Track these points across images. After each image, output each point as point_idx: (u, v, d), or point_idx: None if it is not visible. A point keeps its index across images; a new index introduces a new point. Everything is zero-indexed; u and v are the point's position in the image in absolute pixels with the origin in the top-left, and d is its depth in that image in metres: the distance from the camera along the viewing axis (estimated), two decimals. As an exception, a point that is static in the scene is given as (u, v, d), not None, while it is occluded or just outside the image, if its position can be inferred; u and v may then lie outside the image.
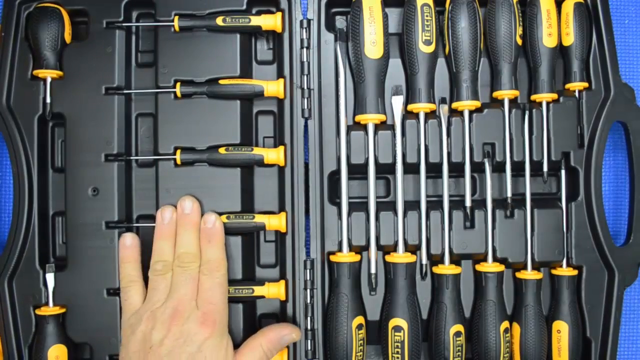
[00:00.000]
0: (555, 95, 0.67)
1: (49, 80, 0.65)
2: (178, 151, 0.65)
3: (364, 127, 0.67)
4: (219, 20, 0.65)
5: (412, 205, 0.67)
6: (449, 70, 0.69)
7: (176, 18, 0.65)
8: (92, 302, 0.64)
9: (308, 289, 0.65)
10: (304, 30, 0.66)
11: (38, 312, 0.64)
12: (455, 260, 0.68)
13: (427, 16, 0.65)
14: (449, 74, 0.69)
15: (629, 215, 0.68)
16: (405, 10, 0.67)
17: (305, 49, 0.66)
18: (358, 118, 0.67)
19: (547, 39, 0.66)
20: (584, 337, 0.67)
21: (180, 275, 0.60)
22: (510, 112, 0.67)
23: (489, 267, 0.66)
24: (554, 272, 0.67)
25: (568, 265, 0.67)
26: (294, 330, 0.63)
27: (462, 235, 0.67)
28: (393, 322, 0.65)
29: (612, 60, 0.66)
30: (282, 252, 0.67)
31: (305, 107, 0.65)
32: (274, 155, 0.65)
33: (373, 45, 0.65)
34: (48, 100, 0.65)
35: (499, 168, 0.68)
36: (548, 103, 0.67)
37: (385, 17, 0.66)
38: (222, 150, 0.65)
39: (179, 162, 0.65)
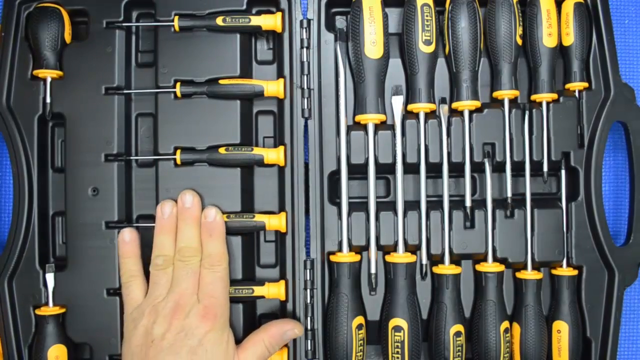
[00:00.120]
0: (555, 95, 0.67)
1: (49, 80, 0.65)
2: (178, 151, 0.65)
3: (364, 127, 0.67)
4: (219, 20, 0.65)
5: (412, 205, 0.67)
6: (449, 70, 0.69)
7: (176, 18, 0.65)
8: (92, 302, 0.64)
9: (308, 289, 0.65)
10: (304, 30, 0.66)
11: (38, 312, 0.64)
12: (455, 260, 0.67)
13: (427, 16, 0.65)
14: (449, 74, 0.69)
15: (629, 215, 0.68)
16: (405, 10, 0.67)
17: (305, 49, 0.66)
18: (358, 118, 0.67)
19: (547, 39, 0.66)
20: (584, 337, 0.67)
21: (182, 269, 0.60)
22: (510, 112, 0.67)
23: (489, 267, 0.66)
24: (554, 272, 0.67)
25: (568, 265, 0.67)
26: (296, 325, 0.63)
27: (462, 235, 0.67)
28: (393, 322, 0.65)
29: (612, 60, 0.66)
30: (282, 252, 0.67)
31: (305, 107, 0.65)
32: (274, 155, 0.65)
33: (373, 45, 0.65)
34: (48, 100, 0.65)
35: (499, 168, 0.68)
36: (548, 103, 0.67)
37: (385, 17, 0.66)
38: (222, 150, 0.65)
39: (179, 162, 0.65)
